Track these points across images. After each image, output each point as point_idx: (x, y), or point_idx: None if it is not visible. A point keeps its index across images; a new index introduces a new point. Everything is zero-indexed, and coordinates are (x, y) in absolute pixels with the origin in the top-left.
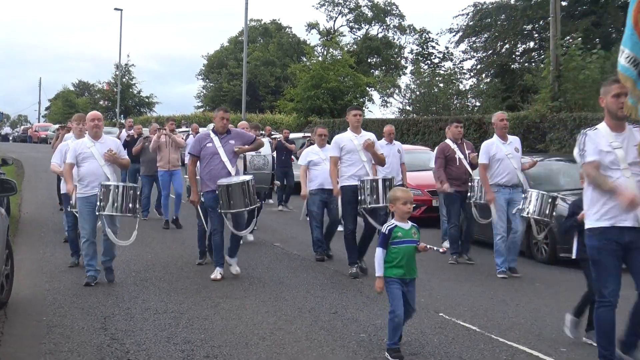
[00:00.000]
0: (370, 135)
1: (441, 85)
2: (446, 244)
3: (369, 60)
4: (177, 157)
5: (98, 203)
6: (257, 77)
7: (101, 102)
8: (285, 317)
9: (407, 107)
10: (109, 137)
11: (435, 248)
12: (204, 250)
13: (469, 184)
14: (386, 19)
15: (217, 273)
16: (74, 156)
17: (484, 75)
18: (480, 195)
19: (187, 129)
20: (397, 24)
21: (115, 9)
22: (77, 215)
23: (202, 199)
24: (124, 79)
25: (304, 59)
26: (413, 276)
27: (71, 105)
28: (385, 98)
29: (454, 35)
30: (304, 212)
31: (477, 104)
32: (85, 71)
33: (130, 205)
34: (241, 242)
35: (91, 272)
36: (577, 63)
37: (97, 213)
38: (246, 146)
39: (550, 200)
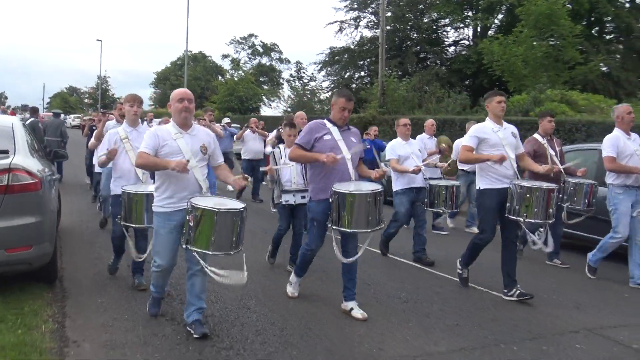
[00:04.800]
0: (514, 129)
1: (309, 95)
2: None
3: (261, 79)
4: None
5: (185, 230)
6: (190, 87)
7: (86, 100)
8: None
9: (288, 109)
10: (201, 127)
11: None
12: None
13: (561, 184)
14: (271, 53)
15: (294, 288)
16: (154, 146)
17: (335, 91)
18: (575, 199)
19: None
20: (278, 57)
21: (97, 39)
22: (125, 225)
23: (298, 204)
24: (102, 85)
25: (220, 77)
26: None
27: (65, 101)
28: (271, 103)
29: (317, 65)
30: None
31: None
32: (74, 79)
33: (234, 238)
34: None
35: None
36: (393, 86)
37: (183, 246)
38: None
39: None
